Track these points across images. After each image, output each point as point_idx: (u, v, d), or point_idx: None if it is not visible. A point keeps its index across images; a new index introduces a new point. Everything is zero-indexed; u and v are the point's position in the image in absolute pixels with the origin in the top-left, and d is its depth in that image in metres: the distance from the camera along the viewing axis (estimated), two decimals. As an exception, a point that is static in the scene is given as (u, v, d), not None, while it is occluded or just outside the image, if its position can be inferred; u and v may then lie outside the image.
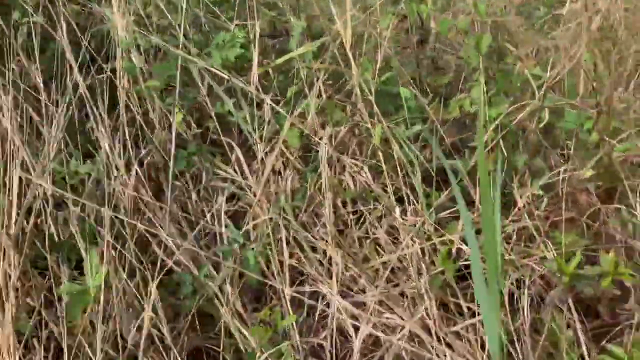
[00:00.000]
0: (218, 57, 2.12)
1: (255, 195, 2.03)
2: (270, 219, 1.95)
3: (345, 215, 2.09)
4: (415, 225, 1.88)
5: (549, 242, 1.84)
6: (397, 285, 1.87)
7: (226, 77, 2.19)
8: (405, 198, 1.98)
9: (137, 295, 1.73)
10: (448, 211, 1.93)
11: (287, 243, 1.99)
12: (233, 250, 1.84)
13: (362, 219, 2.09)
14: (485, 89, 2.03)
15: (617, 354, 1.68)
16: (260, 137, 2.15)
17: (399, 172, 2.01)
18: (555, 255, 1.75)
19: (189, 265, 1.86)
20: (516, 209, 1.95)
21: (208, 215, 2.04)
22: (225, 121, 2.23)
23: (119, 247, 1.78)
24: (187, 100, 2.28)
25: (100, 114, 1.95)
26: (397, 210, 1.96)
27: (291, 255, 1.97)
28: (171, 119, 2.11)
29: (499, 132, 1.97)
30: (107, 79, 2.13)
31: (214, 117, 2.22)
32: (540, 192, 1.98)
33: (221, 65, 2.20)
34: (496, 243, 1.38)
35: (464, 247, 1.82)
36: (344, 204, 2.11)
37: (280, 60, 2.26)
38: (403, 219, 1.94)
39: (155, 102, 2.17)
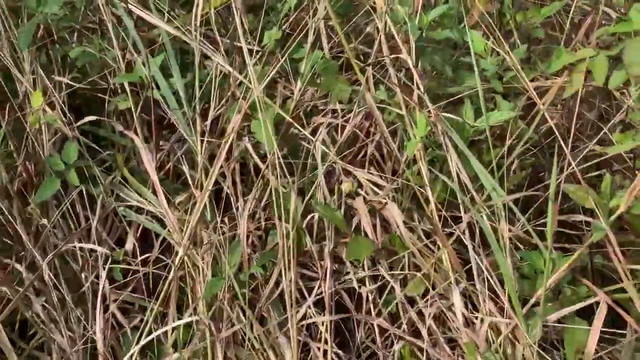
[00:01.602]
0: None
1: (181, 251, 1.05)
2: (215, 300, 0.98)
3: (358, 288, 1.10)
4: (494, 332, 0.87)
5: None
6: None
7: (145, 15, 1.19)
8: (475, 268, 0.96)
9: None
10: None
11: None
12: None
13: (386, 290, 1.09)
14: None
15: None
16: (202, 132, 1.16)
17: (462, 207, 0.99)
18: None
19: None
20: None
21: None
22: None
23: None
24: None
25: None
26: (458, 296, 0.95)
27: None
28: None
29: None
30: None
31: (128, 93, 1.24)
32: None
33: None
34: None
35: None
36: (354, 263, 1.11)
37: (245, -14, 1.24)
38: (469, 318, 0.93)
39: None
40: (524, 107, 1.24)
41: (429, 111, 1.04)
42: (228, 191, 1.12)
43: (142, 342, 0.98)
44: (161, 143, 1.32)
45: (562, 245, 1.12)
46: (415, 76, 1.04)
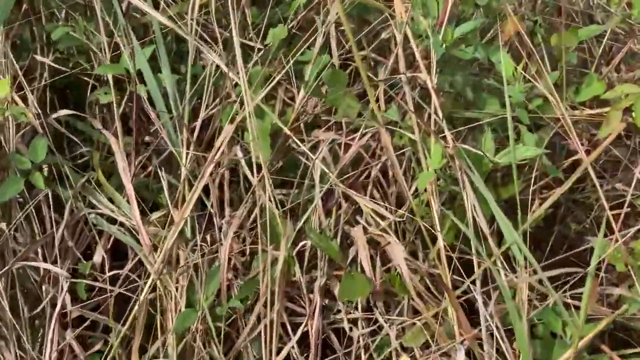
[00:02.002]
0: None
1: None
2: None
3: (349, 330, 0.98)
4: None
5: None
6: None
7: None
8: (484, 325, 0.84)
9: None
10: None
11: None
12: None
13: (379, 335, 0.98)
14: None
15: None
16: (188, 142, 1.03)
17: (475, 258, 0.87)
18: None
19: None
20: None
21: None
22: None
23: None
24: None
25: None
26: (462, 358, 0.84)
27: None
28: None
29: None
30: None
31: (111, 86, 1.11)
32: None
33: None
34: None
35: None
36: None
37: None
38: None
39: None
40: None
41: (446, 139, 0.92)
42: (212, 211, 0.99)
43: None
44: (147, 139, 1.19)
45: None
46: (434, 99, 0.91)
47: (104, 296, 0.99)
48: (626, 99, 0.96)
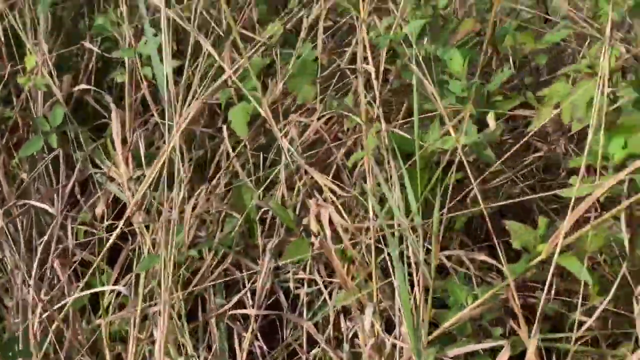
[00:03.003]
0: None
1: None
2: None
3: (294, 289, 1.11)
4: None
5: None
6: None
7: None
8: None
9: None
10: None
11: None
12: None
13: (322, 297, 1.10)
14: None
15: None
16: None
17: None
18: None
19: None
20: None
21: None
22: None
23: None
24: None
25: None
26: (368, 317, 0.94)
27: None
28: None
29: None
30: None
31: (126, 67, 1.30)
32: None
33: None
34: None
35: None
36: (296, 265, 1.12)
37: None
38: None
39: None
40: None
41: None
42: (180, 169, 1.16)
43: (72, 298, 1.05)
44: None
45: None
46: (375, 88, 1.03)
47: (94, 238, 1.18)
48: (556, 96, 1.03)
